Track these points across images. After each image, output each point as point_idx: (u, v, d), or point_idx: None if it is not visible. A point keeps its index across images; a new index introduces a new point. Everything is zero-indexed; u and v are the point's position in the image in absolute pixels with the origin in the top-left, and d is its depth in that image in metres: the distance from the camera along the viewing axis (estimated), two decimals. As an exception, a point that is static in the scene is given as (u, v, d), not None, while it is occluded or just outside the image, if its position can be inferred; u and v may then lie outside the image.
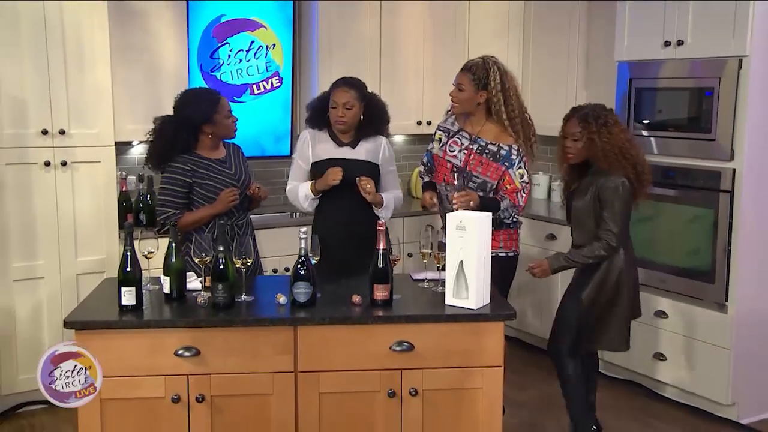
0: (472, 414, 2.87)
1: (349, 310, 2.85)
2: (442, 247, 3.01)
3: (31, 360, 3.99)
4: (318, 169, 3.65)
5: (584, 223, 3.50)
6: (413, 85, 5.38)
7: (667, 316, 4.32)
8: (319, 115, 3.71)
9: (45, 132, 4.03)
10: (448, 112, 3.84)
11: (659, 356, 4.37)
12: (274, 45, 5.17)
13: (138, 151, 4.82)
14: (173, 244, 2.91)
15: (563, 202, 3.74)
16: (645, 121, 4.40)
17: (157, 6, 4.53)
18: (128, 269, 2.78)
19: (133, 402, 2.75)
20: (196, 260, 2.94)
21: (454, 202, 3.41)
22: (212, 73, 4.97)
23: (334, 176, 3.53)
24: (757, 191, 3.99)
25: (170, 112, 3.55)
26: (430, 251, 3.07)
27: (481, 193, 3.58)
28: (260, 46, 5.12)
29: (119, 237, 4.27)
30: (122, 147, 4.69)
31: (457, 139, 3.73)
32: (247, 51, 5.09)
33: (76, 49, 4.07)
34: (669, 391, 4.40)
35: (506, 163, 3.62)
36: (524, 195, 3.64)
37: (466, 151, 3.68)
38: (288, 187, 3.77)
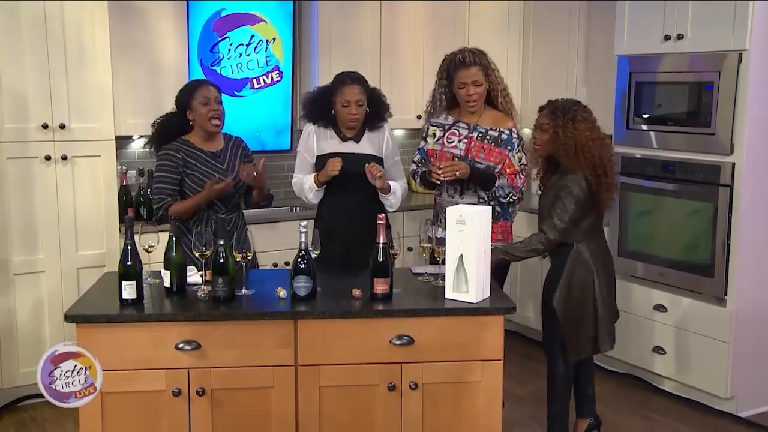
0: (471, 407, 2.88)
1: (349, 304, 2.86)
2: (441, 241, 3.01)
3: (32, 353, 4.02)
4: (322, 164, 3.65)
5: (545, 218, 3.44)
6: (413, 81, 5.37)
7: (666, 310, 4.33)
8: (321, 110, 3.69)
9: (45, 126, 4.03)
10: (427, 111, 3.84)
11: (658, 350, 4.38)
12: (274, 39, 5.17)
13: (138, 146, 4.82)
14: (173, 238, 2.92)
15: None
16: (645, 116, 4.40)
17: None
18: (129, 263, 2.79)
19: (133, 395, 2.76)
20: (197, 254, 2.95)
21: (437, 172, 3.45)
22: (212, 68, 4.97)
23: (333, 166, 3.54)
24: (757, 185, 4.00)
25: (170, 106, 3.59)
26: (430, 245, 3.08)
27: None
28: (260, 40, 5.12)
29: (120, 231, 4.28)
30: (122, 141, 4.69)
31: (455, 131, 3.74)
32: (247, 45, 5.09)
33: (76, 44, 4.07)
34: (668, 384, 4.42)
35: (508, 147, 3.65)
36: (522, 177, 3.67)
37: (466, 140, 3.69)
38: (293, 180, 3.79)
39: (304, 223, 2.88)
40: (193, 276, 3.06)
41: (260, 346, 2.79)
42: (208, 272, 2.91)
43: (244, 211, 3.70)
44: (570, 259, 3.41)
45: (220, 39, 4.97)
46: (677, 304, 4.28)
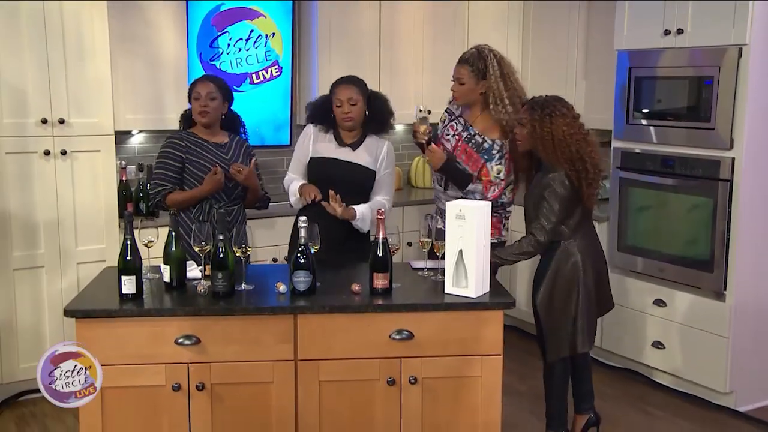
0: (471, 402, 2.88)
1: (348, 299, 2.86)
2: (440, 235, 3.01)
3: (32, 349, 4.03)
4: (313, 166, 3.64)
5: (532, 219, 3.44)
6: (413, 76, 5.36)
7: (666, 305, 4.33)
8: (322, 113, 3.67)
9: (45, 121, 4.03)
10: (450, 102, 3.85)
11: (657, 344, 4.38)
12: (273, 34, 5.16)
13: (137, 140, 4.82)
14: (173, 233, 2.92)
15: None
16: (644, 110, 4.40)
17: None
18: (128, 258, 2.79)
19: (133, 390, 2.76)
20: (196, 249, 2.95)
21: (417, 130, 3.59)
22: (212, 63, 4.96)
23: (309, 195, 3.51)
24: (756, 180, 4.00)
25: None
26: (429, 240, 3.08)
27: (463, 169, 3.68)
28: (260, 35, 5.11)
29: (119, 226, 4.27)
30: (122, 136, 4.69)
31: (454, 124, 3.78)
32: (247, 40, 5.08)
33: (75, 39, 4.07)
34: (667, 379, 4.42)
35: (485, 156, 3.65)
36: (496, 190, 3.67)
37: (456, 137, 3.72)
38: (285, 178, 3.79)
39: (303, 218, 2.88)
40: (193, 271, 3.07)
41: (260, 341, 2.79)
42: (208, 267, 2.91)
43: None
44: (557, 256, 3.40)
45: (219, 34, 4.97)
46: (676, 299, 4.28)
